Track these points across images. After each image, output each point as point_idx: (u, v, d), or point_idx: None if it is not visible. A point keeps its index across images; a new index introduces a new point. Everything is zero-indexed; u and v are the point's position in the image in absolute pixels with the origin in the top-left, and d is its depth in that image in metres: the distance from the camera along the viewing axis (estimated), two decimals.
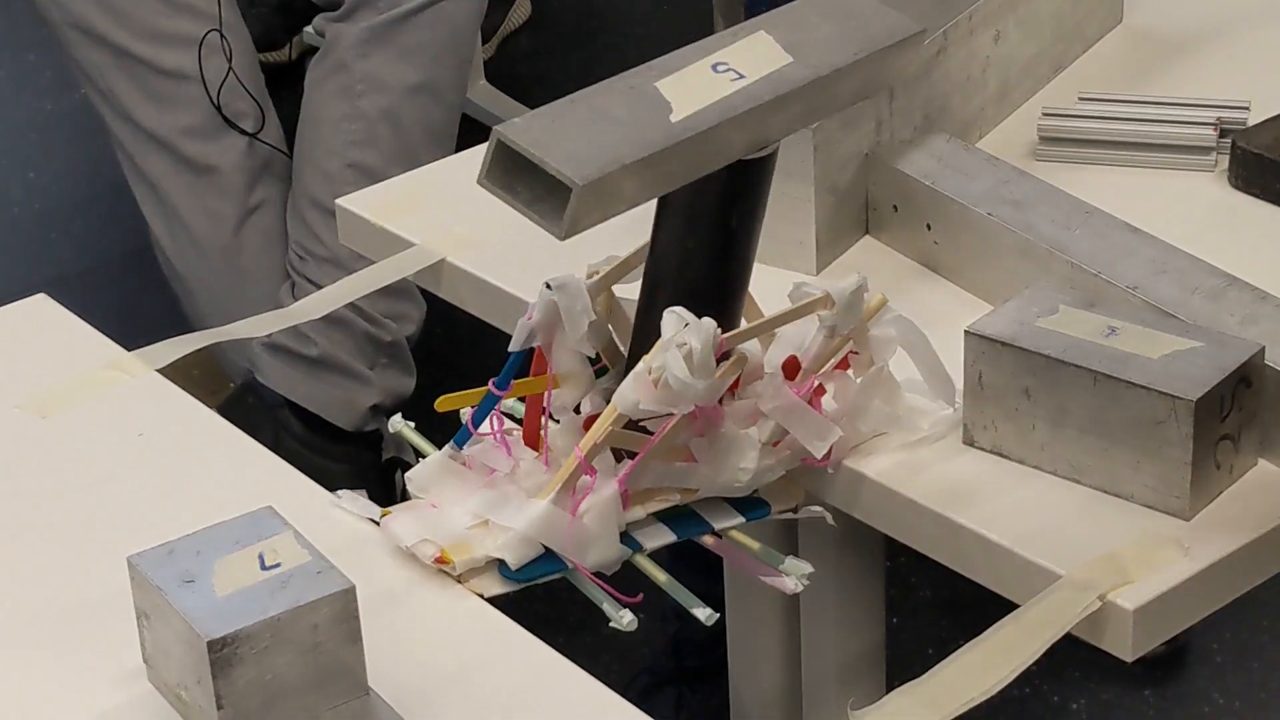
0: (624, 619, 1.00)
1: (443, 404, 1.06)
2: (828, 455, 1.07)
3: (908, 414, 1.10)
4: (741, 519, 1.07)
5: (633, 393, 1.00)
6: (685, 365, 0.99)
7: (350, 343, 2.07)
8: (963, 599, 1.95)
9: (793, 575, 1.05)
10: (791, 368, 1.07)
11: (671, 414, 1.01)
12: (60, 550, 1.07)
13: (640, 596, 1.02)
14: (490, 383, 1.06)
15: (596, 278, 1.08)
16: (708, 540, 1.06)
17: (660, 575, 1.03)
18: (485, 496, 1.03)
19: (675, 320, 1.01)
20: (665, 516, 1.05)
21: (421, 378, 2.16)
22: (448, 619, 1.01)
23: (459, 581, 1.02)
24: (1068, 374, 1.07)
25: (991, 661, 0.97)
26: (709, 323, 1.00)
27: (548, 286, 1.05)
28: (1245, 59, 1.46)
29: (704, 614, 1.00)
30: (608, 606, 1.01)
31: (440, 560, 1.02)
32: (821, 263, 1.27)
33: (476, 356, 2.51)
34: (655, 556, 1.05)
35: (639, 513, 1.04)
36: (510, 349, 1.06)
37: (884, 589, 1.29)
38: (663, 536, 1.05)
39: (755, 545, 1.06)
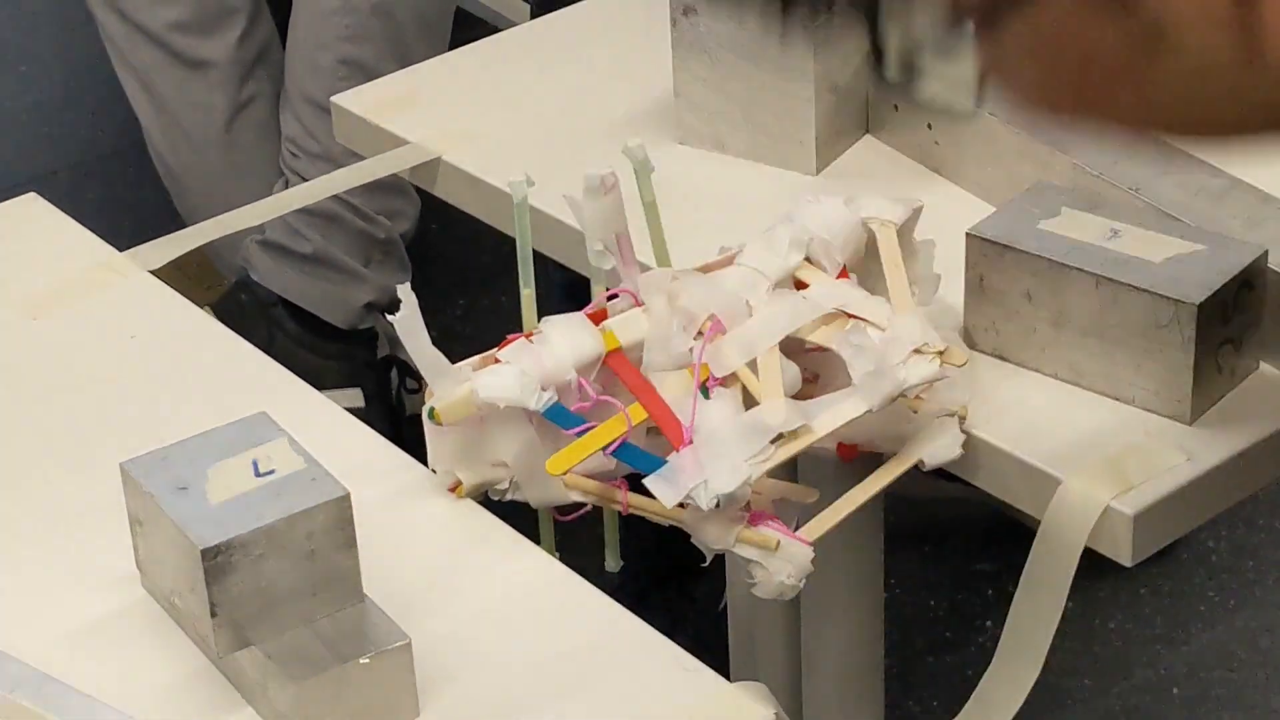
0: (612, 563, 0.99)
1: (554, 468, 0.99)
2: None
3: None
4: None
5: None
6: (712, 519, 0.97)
7: (345, 240, 2.06)
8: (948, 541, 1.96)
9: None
10: (848, 451, 1.06)
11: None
12: (52, 454, 1.06)
13: None
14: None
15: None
16: None
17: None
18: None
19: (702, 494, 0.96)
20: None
21: (416, 274, 2.14)
22: (442, 525, 1.00)
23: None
24: (1069, 277, 1.06)
25: (1037, 614, 1.00)
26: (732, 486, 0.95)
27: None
28: None
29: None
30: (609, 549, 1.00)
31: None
32: (821, 162, 1.26)
33: (472, 253, 2.50)
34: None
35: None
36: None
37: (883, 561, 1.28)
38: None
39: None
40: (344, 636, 0.90)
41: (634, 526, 1.05)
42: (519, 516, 1.03)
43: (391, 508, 1.01)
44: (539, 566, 0.98)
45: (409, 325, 0.98)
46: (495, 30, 2.45)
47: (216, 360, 1.13)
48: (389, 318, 0.98)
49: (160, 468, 0.92)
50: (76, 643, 0.95)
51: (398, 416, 2.08)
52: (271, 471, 0.90)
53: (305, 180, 2.03)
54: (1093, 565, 1.02)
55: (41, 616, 0.96)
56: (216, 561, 0.88)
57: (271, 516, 0.88)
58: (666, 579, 1.94)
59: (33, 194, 1.28)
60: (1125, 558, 1.01)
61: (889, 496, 1.09)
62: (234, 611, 0.89)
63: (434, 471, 1.02)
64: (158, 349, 1.14)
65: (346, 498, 0.90)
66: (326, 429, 1.06)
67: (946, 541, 2.08)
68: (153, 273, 1.20)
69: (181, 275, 1.34)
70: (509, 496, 1.02)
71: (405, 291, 0.98)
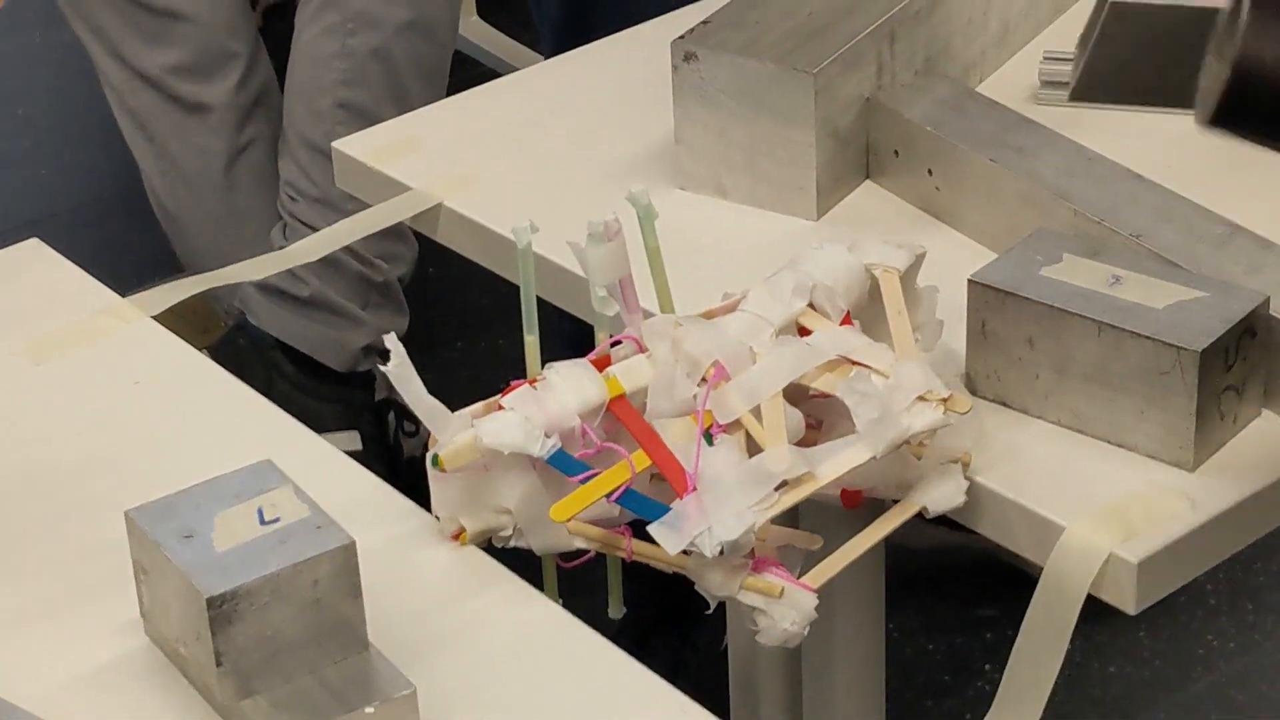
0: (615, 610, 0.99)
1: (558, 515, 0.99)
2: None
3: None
4: None
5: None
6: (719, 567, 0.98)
7: (342, 283, 2.06)
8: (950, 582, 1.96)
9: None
10: (851, 497, 1.05)
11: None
12: (56, 500, 1.06)
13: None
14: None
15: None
16: None
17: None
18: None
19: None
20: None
21: (414, 317, 2.15)
22: (446, 572, 1.00)
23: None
24: (1072, 323, 1.06)
25: (1038, 661, 1.00)
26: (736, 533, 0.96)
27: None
28: None
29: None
30: (613, 596, 1.00)
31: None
32: (822, 208, 1.26)
33: (470, 296, 2.51)
34: None
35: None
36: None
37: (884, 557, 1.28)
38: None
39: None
40: (349, 685, 0.90)
41: (637, 570, 1.06)
42: (523, 563, 1.03)
43: (396, 555, 1.01)
44: (543, 613, 0.98)
45: (402, 374, 0.98)
46: (493, 73, 2.47)
47: (219, 405, 1.13)
48: (381, 368, 0.98)
49: (165, 515, 0.92)
50: (81, 690, 0.95)
51: (395, 459, 2.08)
52: (276, 519, 0.91)
53: (303, 224, 2.03)
54: (1092, 608, 1.02)
55: (46, 664, 0.96)
56: (222, 610, 0.88)
57: (277, 565, 0.89)
58: (668, 622, 1.94)
59: (35, 240, 1.28)
60: (1129, 605, 1.01)
61: (890, 543, 1.09)
62: (239, 660, 0.89)
63: (437, 518, 1.02)
64: (161, 394, 1.14)
65: (352, 546, 0.90)
66: (330, 475, 1.06)
67: (946, 586, 2.08)
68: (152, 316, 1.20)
69: (178, 318, 1.35)
70: (513, 543, 1.02)
71: (393, 341, 0.98)
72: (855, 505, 1.06)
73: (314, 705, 0.89)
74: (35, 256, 1.27)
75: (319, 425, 2.08)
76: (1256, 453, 1.07)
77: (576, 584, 1.08)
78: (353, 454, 2.03)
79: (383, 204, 1.33)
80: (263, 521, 0.90)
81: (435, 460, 1.00)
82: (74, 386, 1.15)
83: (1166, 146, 1.30)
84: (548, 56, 1.55)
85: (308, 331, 2.07)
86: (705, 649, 1.85)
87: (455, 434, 1.00)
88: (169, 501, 0.92)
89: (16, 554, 1.03)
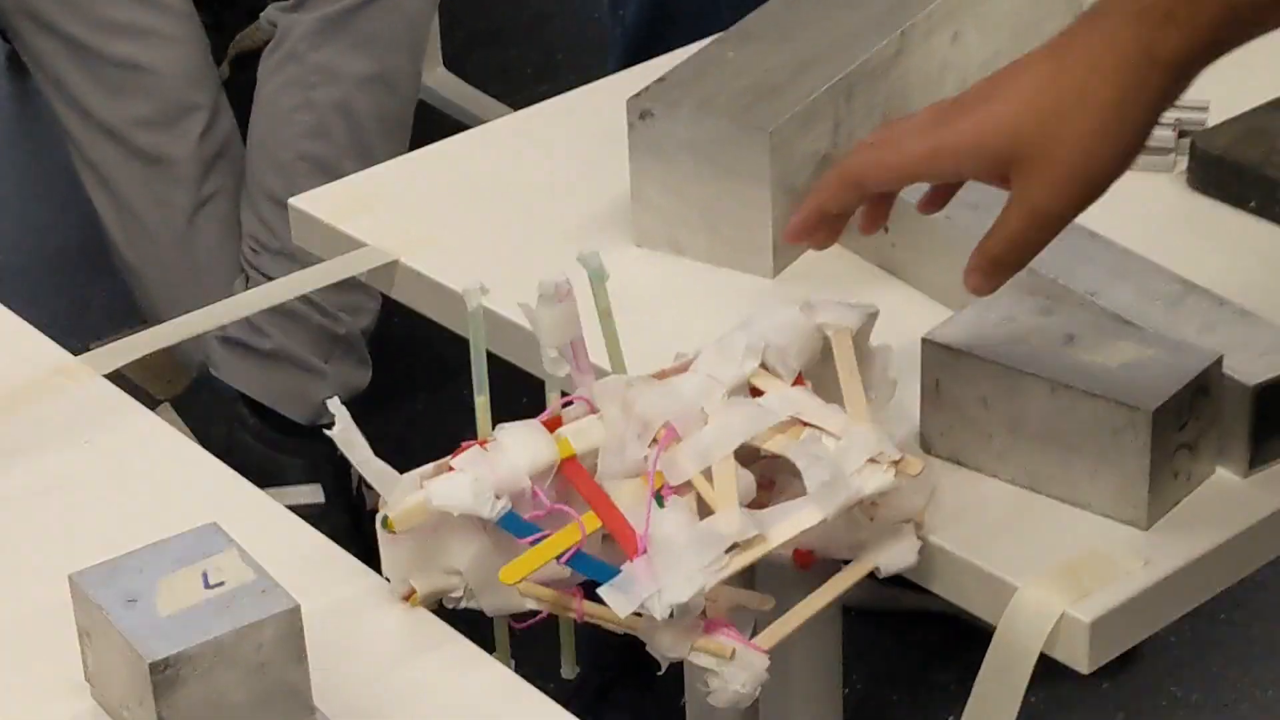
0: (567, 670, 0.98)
1: (507, 577, 0.98)
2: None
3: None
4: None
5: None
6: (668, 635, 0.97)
7: (304, 336, 2.06)
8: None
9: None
10: (804, 558, 1.05)
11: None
12: (2, 562, 1.05)
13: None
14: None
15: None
16: None
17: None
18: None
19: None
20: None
21: (377, 370, 2.14)
22: (395, 634, 1.00)
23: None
24: (1025, 383, 1.06)
25: (993, 716, 1.00)
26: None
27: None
28: None
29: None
30: (565, 656, 0.99)
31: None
32: (778, 265, 1.26)
33: (432, 349, 2.50)
34: None
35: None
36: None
37: (841, 608, 1.28)
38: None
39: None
40: None
41: (595, 626, 1.05)
42: (474, 625, 1.02)
43: (344, 617, 1.00)
44: (494, 677, 0.98)
45: (348, 438, 0.98)
46: (459, 124, 2.46)
47: (169, 466, 1.12)
48: (328, 432, 0.98)
49: (109, 579, 0.91)
50: None
51: (358, 512, 2.08)
52: (221, 583, 0.90)
53: (266, 276, 2.03)
54: (1054, 664, 1.02)
55: None
56: (165, 675, 0.87)
57: (220, 629, 0.88)
58: (627, 675, 1.93)
59: None
60: (1082, 665, 1.01)
61: (849, 601, 1.08)
62: None
63: (388, 580, 1.01)
64: (110, 455, 1.13)
65: (296, 610, 0.89)
66: (279, 535, 1.06)
67: (907, 640, 2.07)
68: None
69: (141, 370, 1.34)
70: (464, 604, 1.02)
71: (336, 405, 0.97)
72: (808, 566, 1.05)
73: None
74: None
75: (282, 478, 2.09)
76: (1210, 510, 1.06)
77: (534, 640, 1.07)
78: (315, 507, 2.04)
79: (340, 258, 1.32)
80: (207, 585, 0.90)
81: (385, 522, 0.99)
82: (23, 446, 1.14)
83: (1122, 203, 1.29)
84: (615, 69, 1.53)
85: (270, 384, 2.06)
86: (665, 701, 1.84)
87: (405, 495, 0.99)
88: (113, 564, 0.92)
89: None
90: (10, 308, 1.26)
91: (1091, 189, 0.98)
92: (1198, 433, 1.06)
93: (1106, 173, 0.97)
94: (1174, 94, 0.96)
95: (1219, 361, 1.07)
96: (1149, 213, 1.29)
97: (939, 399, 1.09)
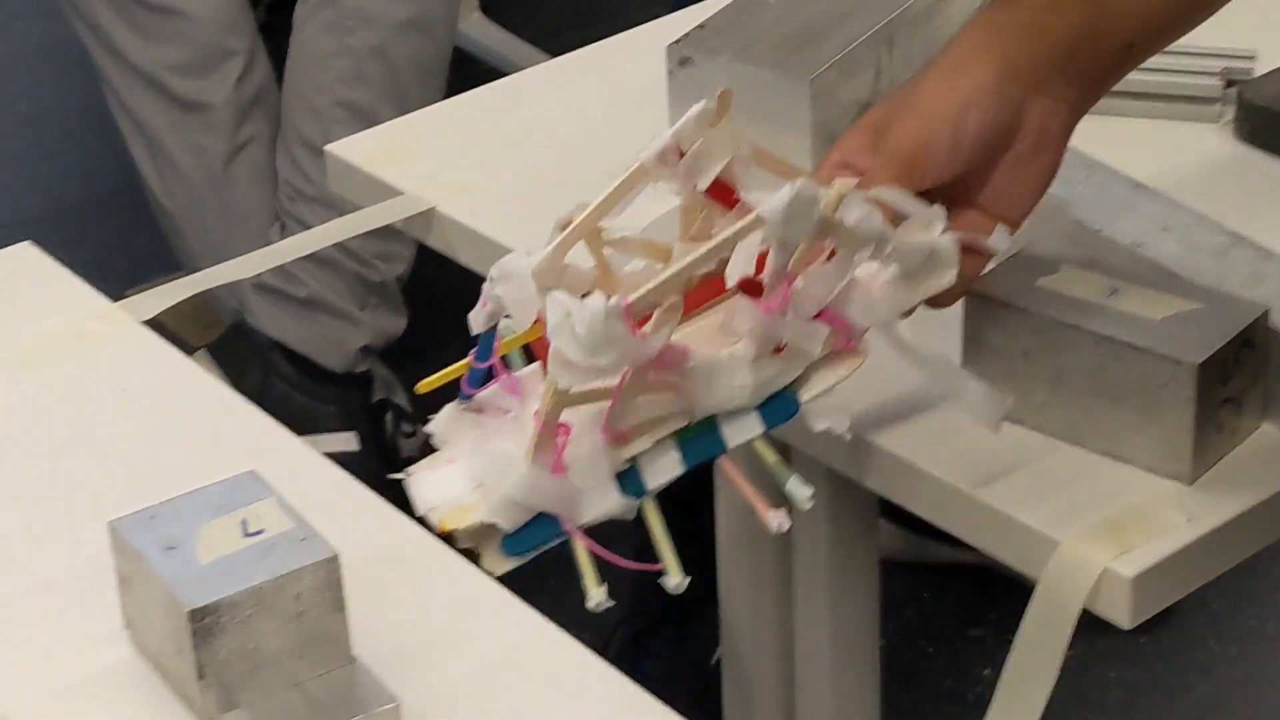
0: (592, 600, 0.96)
1: (423, 388, 0.99)
2: (849, 341, 0.99)
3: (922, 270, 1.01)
4: (761, 429, 0.98)
5: (560, 371, 0.92)
6: (578, 348, 0.91)
7: (340, 283, 2.06)
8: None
9: (782, 511, 0.98)
10: (753, 288, 0.97)
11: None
12: (40, 510, 1.06)
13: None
14: (471, 355, 1.00)
15: (570, 228, 1.02)
16: (723, 463, 0.98)
17: (657, 528, 0.99)
18: (479, 457, 0.99)
19: (557, 307, 0.92)
20: (680, 436, 0.97)
21: (412, 317, 2.14)
22: (435, 583, 1.00)
23: (473, 559, 0.97)
24: (1068, 336, 1.05)
25: (1032, 677, 0.99)
26: (595, 303, 0.91)
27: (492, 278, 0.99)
28: (1252, 8, 1.43)
29: (673, 583, 0.97)
30: (587, 583, 0.98)
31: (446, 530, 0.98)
32: None
33: (467, 296, 2.50)
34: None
35: (644, 443, 0.97)
36: (473, 332, 1.01)
37: (878, 560, 1.28)
38: (670, 469, 0.97)
39: (772, 458, 0.98)
40: (333, 699, 0.89)
41: (636, 578, 1.04)
42: (513, 574, 1.02)
43: (382, 565, 1.00)
44: (530, 626, 0.97)
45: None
46: (496, 70, 2.46)
47: (208, 414, 1.12)
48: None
49: (149, 526, 0.91)
50: (64, 701, 0.94)
51: (392, 459, 2.08)
52: (260, 531, 0.90)
53: (301, 223, 2.03)
54: (1090, 617, 1.02)
55: (29, 674, 0.96)
56: (204, 623, 0.87)
57: (260, 577, 0.88)
58: (663, 622, 1.93)
59: (27, 243, 1.27)
60: (1124, 620, 1.00)
61: (888, 556, 1.08)
62: (222, 673, 0.88)
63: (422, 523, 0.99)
64: (149, 402, 1.13)
65: (335, 559, 0.89)
66: (317, 484, 1.05)
67: (945, 593, 2.07)
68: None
69: (178, 317, 1.34)
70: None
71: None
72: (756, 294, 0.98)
73: (297, 719, 0.88)
74: (26, 260, 1.26)
75: (316, 426, 2.09)
76: (1255, 466, 1.06)
77: (569, 588, 1.07)
78: (350, 455, 2.04)
79: (376, 206, 1.32)
80: (246, 533, 0.90)
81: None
82: (61, 394, 1.14)
83: (1166, 154, 1.29)
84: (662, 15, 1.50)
85: (305, 332, 2.06)
86: (700, 652, 1.84)
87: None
88: (152, 512, 0.92)
89: (0, 563, 1.03)
90: (47, 252, 1.27)
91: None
92: (1243, 387, 1.05)
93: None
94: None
95: (1265, 314, 1.06)
96: (1195, 163, 1.28)
97: (980, 351, 1.08)
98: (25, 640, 0.98)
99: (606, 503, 0.96)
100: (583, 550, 0.96)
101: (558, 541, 0.96)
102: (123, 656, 0.95)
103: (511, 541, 0.95)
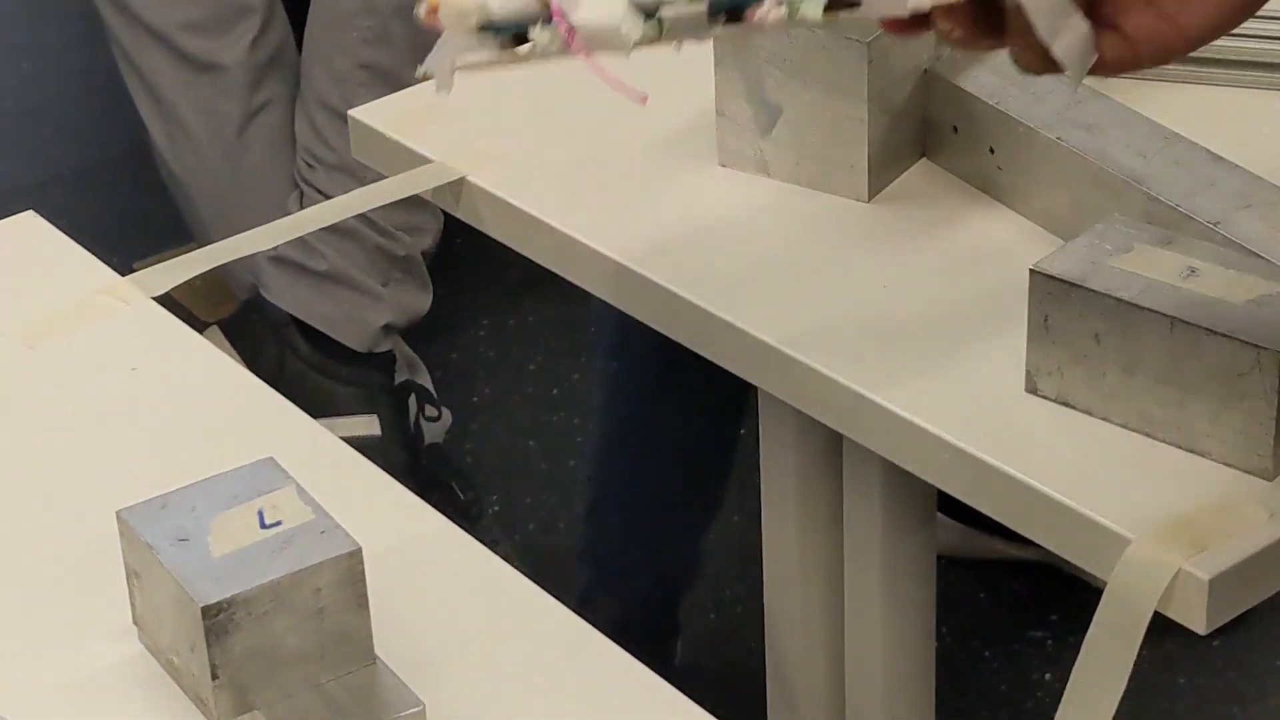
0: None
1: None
2: None
3: None
4: None
5: None
6: None
7: (362, 257, 2.06)
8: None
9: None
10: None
11: None
12: (47, 496, 1.06)
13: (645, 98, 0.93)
14: None
15: None
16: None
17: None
18: None
19: None
20: None
21: (438, 294, 2.14)
22: (462, 579, 1.00)
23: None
24: (1142, 319, 1.05)
25: (1099, 685, 0.98)
26: None
27: None
28: None
29: None
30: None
31: (432, 10, 0.88)
32: (874, 188, 1.24)
33: (496, 272, 2.50)
34: None
35: None
36: None
37: (934, 556, 1.27)
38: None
39: None
40: (354, 701, 0.89)
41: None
42: (541, 570, 1.02)
43: (405, 560, 1.00)
44: (560, 624, 0.97)
45: None
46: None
47: (220, 395, 1.13)
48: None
49: (159, 516, 0.91)
50: (69, 699, 0.94)
51: (416, 445, 2.08)
52: (278, 523, 0.90)
53: (321, 193, 2.03)
54: (1161, 616, 1.01)
55: (33, 671, 0.96)
56: (218, 620, 0.87)
57: (277, 572, 0.88)
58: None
59: (30, 212, 1.28)
60: (1199, 625, 1.00)
61: (945, 554, 1.08)
62: (236, 673, 0.88)
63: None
64: (159, 383, 1.13)
65: (358, 553, 0.89)
66: (337, 472, 1.05)
67: (1004, 593, 2.06)
68: None
69: (189, 291, 1.34)
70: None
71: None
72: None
73: None
74: (31, 231, 1.27)
75: (335, 408, 2.09)
76: None
77: None
78: (371, 439, 2.04)
79: (401, 175, 1.32)
80: (263, 525, 0.90)
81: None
82: (68, 372, 1.14)
83: (1250, 126, 1.28)
84: None
85: (324, 308, 2.06)
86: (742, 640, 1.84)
87: None
88: (163, 501, 0.92)
89: (4, 553, 1.03)
90: (49, 220, 1.27)
91: None
92: None
93: None
94: None
95: None
96: (1279, 136, 1.27)
97: (1048, 335, 1.08)
98: (27, 635, 0.98)
99: (611, 10, 0.91)
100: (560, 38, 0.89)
101: (543, 30, 0.90)
102: (131, 654, 0.95)
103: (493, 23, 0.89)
